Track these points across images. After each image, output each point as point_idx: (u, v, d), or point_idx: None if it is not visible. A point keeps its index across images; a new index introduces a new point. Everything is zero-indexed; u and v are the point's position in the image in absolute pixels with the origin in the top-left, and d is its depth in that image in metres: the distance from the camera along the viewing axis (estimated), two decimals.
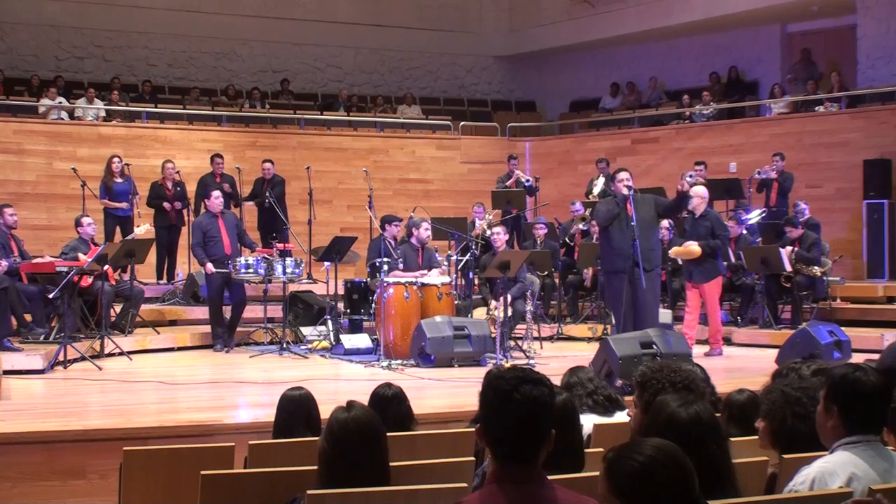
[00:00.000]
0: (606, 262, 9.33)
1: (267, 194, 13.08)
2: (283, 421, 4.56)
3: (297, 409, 4.54)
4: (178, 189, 13.10)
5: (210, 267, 10.68)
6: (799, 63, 16.93)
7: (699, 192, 10.27)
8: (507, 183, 14.28)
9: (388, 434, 3.62)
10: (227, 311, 11.00)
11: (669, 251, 10.70)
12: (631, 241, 8.75)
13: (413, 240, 10.80)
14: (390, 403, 4.61)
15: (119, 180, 12.79)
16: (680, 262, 10.86)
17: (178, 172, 13.27)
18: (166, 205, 12.91)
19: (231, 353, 10.56)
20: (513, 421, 2.59)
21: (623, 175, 9.12)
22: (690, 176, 9.84)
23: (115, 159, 12.83)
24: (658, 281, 9.34)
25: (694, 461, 2.54)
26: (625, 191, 8.94)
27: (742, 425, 4.20)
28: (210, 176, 13.29)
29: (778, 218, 12.55)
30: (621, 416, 4.71)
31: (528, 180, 14.34)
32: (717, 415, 4.33)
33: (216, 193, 11.11)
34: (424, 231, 10.80)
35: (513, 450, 2.59)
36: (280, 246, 11.60)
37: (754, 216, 12.84)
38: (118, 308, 10.82)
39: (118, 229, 12.69)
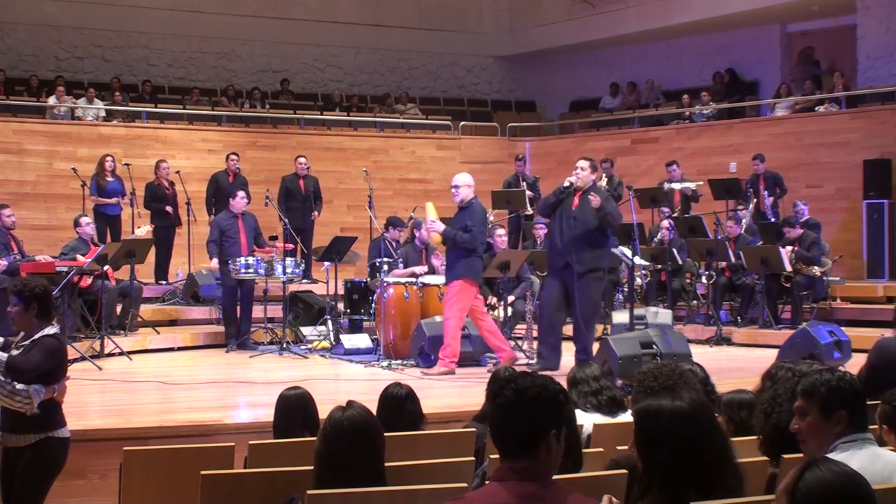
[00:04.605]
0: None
1: (267, 193, 13.04)
2: (281, 421, 4.55)
3: (294, 408, 4.53)
4: (173, 189, 13.07)
5: (215, 263, 10.69)
6: (799, 63, 16.91)
7: (465, 181, 9.00)
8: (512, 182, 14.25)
9: (390, 434, 3.61)
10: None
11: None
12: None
13: (417, 241, 10.78)
14: (404, 402, 4.60)
15: (111, 179, 12.79)
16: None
17: (178, 172, 13.25)
18: (168, 209, 12.90)
19: (231, 353, 10.55)
20: (502, 412, 2.64)
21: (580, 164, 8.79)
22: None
23: (108, 158, 12.86)
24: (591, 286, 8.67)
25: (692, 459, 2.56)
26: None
27: (741, 425, 4.20)
28: (223, 174, 13.24)
29: (769, 218, 12.53)
30: (623, 417, 4.70)
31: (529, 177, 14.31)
32: (717, 415, 4.35)
33: (241, 194, 11.02)
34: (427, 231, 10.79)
35: (506, 442, 2.62)
36: (280, 246, 11.58)
37: (747, 211, 12.84)
38: (120, 307, 10.82)
39: (108, 229, 12.69)
